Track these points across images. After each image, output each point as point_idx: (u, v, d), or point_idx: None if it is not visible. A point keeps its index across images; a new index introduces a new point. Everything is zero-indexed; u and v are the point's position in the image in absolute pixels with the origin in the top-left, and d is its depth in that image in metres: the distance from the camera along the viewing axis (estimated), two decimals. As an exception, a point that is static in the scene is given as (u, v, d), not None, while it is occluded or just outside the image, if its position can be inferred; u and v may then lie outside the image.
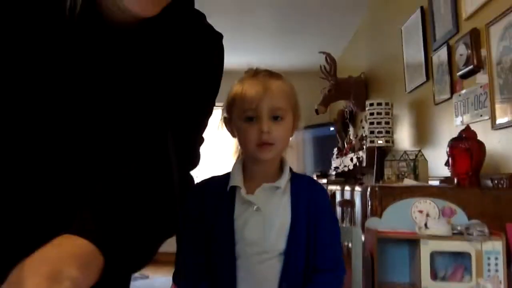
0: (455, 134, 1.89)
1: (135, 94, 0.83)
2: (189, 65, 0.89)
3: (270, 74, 1.07)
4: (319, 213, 1.04)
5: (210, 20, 0.97)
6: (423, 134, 2.80)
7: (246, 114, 1.02)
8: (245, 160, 1.08)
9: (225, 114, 1.10)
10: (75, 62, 0.78)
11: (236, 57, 4.69)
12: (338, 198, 3.19)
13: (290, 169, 1.08)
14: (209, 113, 0.96)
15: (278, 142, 1.03)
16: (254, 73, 1.07)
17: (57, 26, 0.75)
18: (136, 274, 1.29)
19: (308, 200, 1.05)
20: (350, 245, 1.21)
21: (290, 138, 1.10)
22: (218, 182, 1.08)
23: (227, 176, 1.08)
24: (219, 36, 0.97)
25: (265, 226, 1.01)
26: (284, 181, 1.05)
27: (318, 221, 1.03)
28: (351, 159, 3.88)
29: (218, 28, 0.99)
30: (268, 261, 1.00)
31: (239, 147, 1.10)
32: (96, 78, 0.81)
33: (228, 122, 1.09)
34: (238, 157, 1.11)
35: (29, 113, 0.76)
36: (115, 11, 0.76)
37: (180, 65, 0.89)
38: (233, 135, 1.08)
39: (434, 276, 1.33)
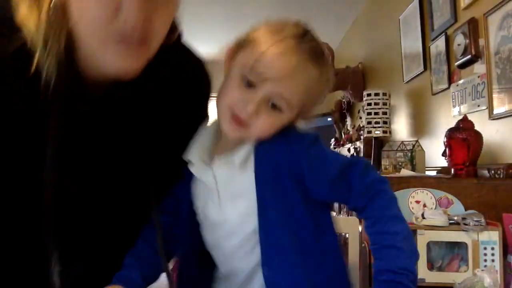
0: (452, 124, 1.88)
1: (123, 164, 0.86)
2: (175, 113, 0.90)
3: (314, 55, 0.82)
4: (306, 170, 0.80)
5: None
6: (420, 124, 2.80)
7: (248, 77, 0.78)
8: None
9: (230, 51, 0.86)
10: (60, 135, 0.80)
11: (233, 47, 4.69)
12: (335, 188, 3.19)
13: None
14: None
15: (256, 131, 0.80)
16: (300, 35, 0.82)
17: (33, 102, 0.76)
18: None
19: (279, 166, 0.80)
20: (347, 235, 1.21)
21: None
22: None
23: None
24: (203, 74, 0.97)
25: (223, 207, 0.83)
26: (243, 152, 0.82)
27: (312, 180, 0.80)
28: (349, 150, 3.88)
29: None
30: (243, 246, 0.83)
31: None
32: (81, 149, 0.84)
33: (228, 61, 0.85)
34: None
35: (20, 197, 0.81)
36: (96, 77, 0.77)
37: (167, 119, 0.90)
38: (224, 80, 0.85)
39: (430, 266, 1.34)
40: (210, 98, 0.98)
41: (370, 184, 0.81)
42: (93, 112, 0.81)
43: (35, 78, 0.73)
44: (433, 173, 2.23)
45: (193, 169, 0.85)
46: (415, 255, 0.80)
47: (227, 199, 0.83)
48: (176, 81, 0.89)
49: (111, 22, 0.70)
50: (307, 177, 0.80)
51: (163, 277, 0.90)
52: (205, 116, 0.98)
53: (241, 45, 0.84)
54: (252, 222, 0.81)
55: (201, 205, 0.87)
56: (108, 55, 0.73)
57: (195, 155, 0.85)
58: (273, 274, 0.80)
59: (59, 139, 0.76)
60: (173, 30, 0.83)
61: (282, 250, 0.80)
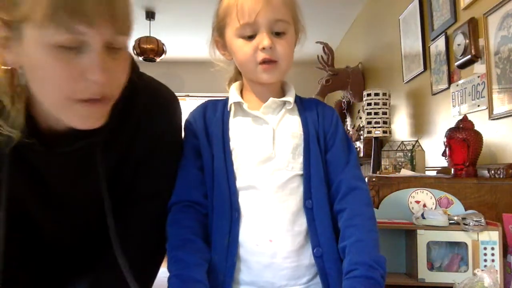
0: (452, 124, 1.88)
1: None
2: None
3: None
4: (332, 131, 0.97)
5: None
6: (420, 124, 2.80)
7: (244, 33, 0.92)
8: (245, 84, 1.00)
9: (216, 37, 0.99)
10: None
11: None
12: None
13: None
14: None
15: (282, 59, 0.93)
16: None
17: None
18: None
19: (317, 119, 0.97)
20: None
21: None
22: (215, 106, 1.00)
23: (224, 101, 1.00)
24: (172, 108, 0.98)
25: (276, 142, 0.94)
26: (291, 97, 0.97)
27: (331, 139, 0.97)
28: (349, 150, 3.87)
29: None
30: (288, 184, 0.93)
31: (233, 75, 1.02)
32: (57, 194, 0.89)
33: (222, 45, 0.99)
34: (232, 80, 1.03)
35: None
36: (60, 128, 0.80)
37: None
38: (229, 58, 0.99)
39: (430, 266, 1.34)
40: (175, 117, 1.00)
41: (361, 175, 0.96)
42: (47, 160, 0.84)
43: None
44: (433, 173, 2.23)
45: (245, 108, 0.96)
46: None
47: (281, 136, 0.95)
48: (133, 111, 0.90)
49: (75, 86, 0.71)
50: (329, 134, 0.97)
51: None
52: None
53: (219, 26, 0.97)
54: (299, 160, 0.94)
55: (251, 144, 0.94)
56: (73, 116, 0.75)
57: (240, 99, 0.97)
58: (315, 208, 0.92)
59: (12, 180, 0.80)
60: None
61: (319, 188, 0.93)
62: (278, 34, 0.92)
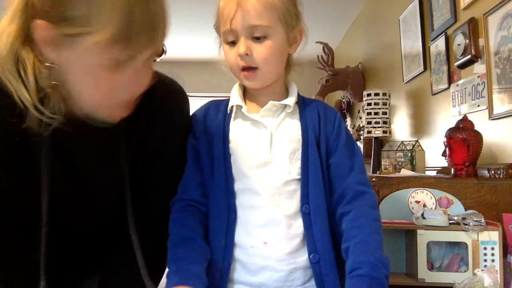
0: (452, 124, 1.88)
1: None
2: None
3: None
4: (334, 135, 0.95)
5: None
6: (420, 124, 2.80)
7: (227, 39, 0.92)
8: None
9: (218, 36, 0.99)
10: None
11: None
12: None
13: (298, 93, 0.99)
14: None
15: (262, 65, 0.91)
16: None
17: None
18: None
19: (319, 123, 0.96)
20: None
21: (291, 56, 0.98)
22: (217, 107, 1.00)
23: (226, 102, 0.99)
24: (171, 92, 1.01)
25: (273, 147, 0.93)
26: (292, 100, 0.96)
27: (334, 144, 0.95)
28: (349, 150, 3.87)
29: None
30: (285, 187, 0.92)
31: None
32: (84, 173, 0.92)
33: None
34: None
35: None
36: (85, 118, 0.83)
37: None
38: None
39: (430, 266, 1.34)
40: (186, 107, 1.03)
41: (366, 179, 0.94)
42: (80, 145, 0.89)
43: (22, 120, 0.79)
44: (433, 173, 2.23)
45: (243, 111, 0.95)
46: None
47: (279, 141, 0.94)
48: (148, 101, 0.94)
49: (107, 98, 0.78)
50: (331, 139, 0.95)
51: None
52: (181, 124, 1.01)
53: (218, 29, 0.96)
54: (296, 165, 0.92)
55: (249, 148, 0.93)
56: (100, 113, 0.82)
57: (241, 102, 0.96)
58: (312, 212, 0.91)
59: (51, 165, 0.84)
60: None
61: (317, 194, 0.92)
62: (258, 39, 0.90)
